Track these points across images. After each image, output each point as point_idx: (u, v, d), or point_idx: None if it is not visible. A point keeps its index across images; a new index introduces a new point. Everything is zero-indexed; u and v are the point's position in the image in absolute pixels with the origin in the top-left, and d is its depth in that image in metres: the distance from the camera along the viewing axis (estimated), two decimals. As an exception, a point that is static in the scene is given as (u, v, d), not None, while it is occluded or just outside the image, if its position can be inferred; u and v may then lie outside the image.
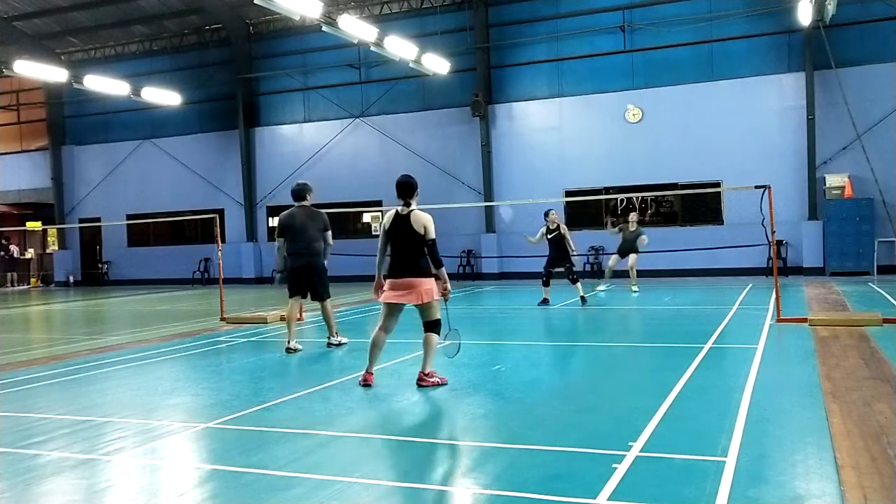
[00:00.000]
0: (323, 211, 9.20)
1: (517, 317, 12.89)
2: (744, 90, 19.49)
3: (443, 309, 6.62)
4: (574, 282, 13.20)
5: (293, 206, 9.09)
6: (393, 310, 6.65)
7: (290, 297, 9.10)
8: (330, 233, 9.09)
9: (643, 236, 15.59)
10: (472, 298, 16.53)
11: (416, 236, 6.38)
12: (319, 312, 11.29)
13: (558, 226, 13.28)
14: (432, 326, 6.55)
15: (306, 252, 8.88)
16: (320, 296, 9.06)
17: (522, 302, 14.70)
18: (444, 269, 6.50)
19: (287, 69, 24.62)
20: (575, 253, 13.75)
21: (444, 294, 6.52)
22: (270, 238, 24.82)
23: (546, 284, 13.48)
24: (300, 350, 8.94)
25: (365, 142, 23.68)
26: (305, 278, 9.00)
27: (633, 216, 16.14)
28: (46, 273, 30.12)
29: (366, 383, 6.61)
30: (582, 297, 13.16)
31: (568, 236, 13.38)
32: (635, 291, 15.28)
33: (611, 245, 20.42)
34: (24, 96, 28.61)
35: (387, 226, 6.51)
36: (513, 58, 21.97)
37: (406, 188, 6.49)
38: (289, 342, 8.97)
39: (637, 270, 15.85)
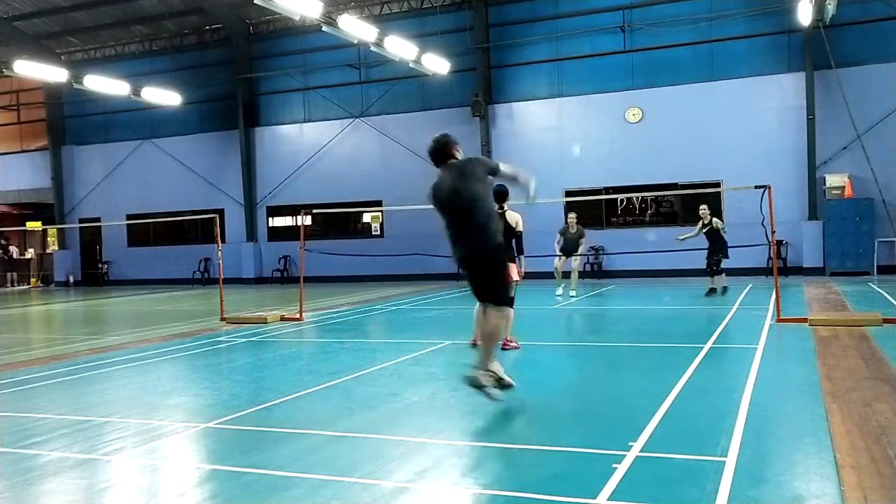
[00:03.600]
0: (482, 158, 6.30)
1: (516, 316, 12.84)
2: (744, 90, 19.48)
3: None
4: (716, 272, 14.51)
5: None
6: None
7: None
8: (494, 178, 5.90)
9: (583, 238, 15.02)
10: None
11: (507, 229, 8.03)
12: (323, 311, 11.19)
13: (711, 220, 14.38)
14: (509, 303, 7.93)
15: (464, 234, 5.72)
16: (492, 298, 5.94)
17: (522, 302, 14.63)
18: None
19: (287, 69, 24.61)
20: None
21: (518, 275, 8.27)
22: (270, 238, 24.83)
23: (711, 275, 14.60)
24: (509, 386, 5.82)
25: (365, 142, 23.67)
26: (472, 274, 6.04)
27: (571, 216, 15.17)
28: (46, 273, 30.12)
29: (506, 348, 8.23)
30: (712, 289, 14.33)
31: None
32: (572, 296, 14.66)
33: (611, 244, 20.49)
34: (24, 96, 28.61)
35: None
36: (513, 58, 21.96)
37: (500, 196, 8.11)
38: (486, 367, 5.71)
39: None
